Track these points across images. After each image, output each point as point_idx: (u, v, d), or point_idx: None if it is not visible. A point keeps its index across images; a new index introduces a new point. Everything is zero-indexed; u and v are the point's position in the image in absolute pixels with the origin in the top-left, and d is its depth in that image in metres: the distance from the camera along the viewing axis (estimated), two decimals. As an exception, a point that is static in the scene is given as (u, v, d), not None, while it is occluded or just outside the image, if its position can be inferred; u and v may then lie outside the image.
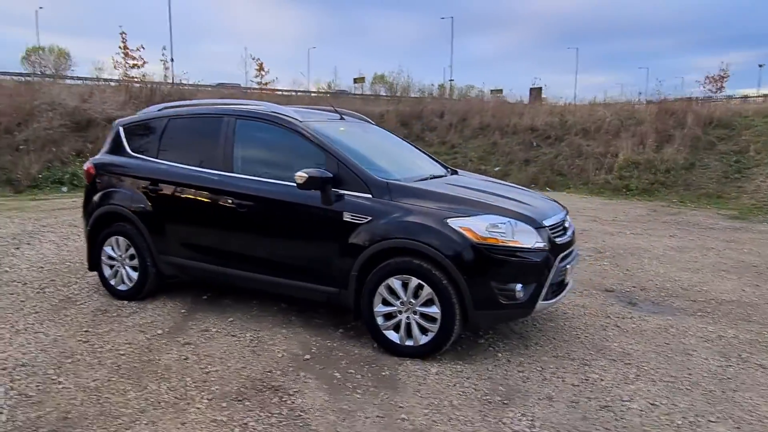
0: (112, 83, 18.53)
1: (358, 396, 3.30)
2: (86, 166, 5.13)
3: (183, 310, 4.66)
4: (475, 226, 3.64)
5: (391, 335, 3.85)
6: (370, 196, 3.90)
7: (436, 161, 5.29)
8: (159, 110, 5.03)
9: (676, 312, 4.89)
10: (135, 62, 18.89)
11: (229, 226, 4.36)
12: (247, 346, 3.96)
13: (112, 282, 4.92)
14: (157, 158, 4.76)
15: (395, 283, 3.78)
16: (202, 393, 3.29)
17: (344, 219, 3.90)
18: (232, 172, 4.36)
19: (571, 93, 42.48)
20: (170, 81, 22.61)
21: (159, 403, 3.18)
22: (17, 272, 5.68)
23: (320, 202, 3.96)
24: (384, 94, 33.45)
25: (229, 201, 4.28)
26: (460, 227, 3.64)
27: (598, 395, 3.34)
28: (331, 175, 3.91)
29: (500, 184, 4.97)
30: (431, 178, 4.49)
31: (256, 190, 4.23)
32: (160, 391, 3.32)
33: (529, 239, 3.72)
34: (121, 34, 18.48)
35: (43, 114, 13.74)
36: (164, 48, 22.92)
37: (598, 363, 3.80)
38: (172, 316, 4.54)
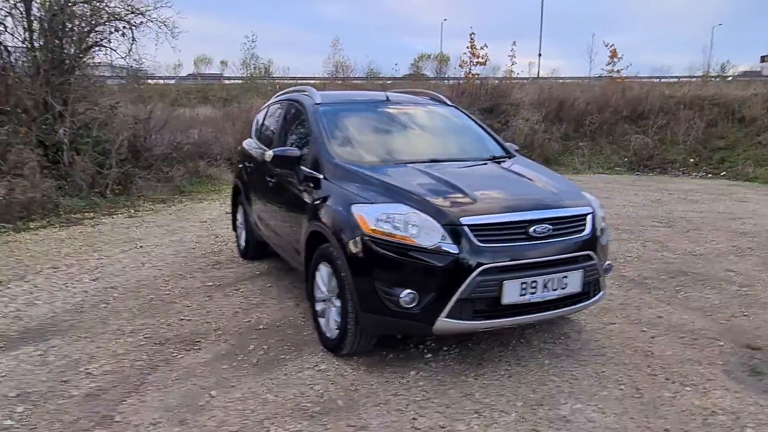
0: (453, 81, 20.59)
1: (224, 368, 3.36)
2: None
3: (258, 272, 5.36)
4: (368, 215, 3.14)
5: (322, 322, 3.66)
6: (322, 177, 3.76)
7: (503, 146, 4.45)
8: (276, 98, 5.78)
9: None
10: (479, 60, 20.46)
11: (267, 199, 4.82)
12: (241, 309, 4.37)
13: (238, 242, 6.00)
14: (257, 140, 5.55)
15: (322, 269, 3.58)
16: (151, 332, 3.91)
17: (304, 200, 3.88)
18: (274, 151, 4.78)
19: None
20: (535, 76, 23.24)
21: (119, 330, 3.96)
22: (225, 229, 7.37)
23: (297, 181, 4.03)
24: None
25: (266, 177, 4.73)
26: (357, 214, 3.20)
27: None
28: (296, 155, 3.92)
29: (519, 174, 3.82)
30: (430, 162, 3.88)
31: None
32: (136, 323, 4.08)
33: (428, 238, 2.97)
34: (470, 35, 20.26)
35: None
36: (514, 43, 23.97)
37: (498, 417, 2.75)
38: (244, 274, 5.28)
